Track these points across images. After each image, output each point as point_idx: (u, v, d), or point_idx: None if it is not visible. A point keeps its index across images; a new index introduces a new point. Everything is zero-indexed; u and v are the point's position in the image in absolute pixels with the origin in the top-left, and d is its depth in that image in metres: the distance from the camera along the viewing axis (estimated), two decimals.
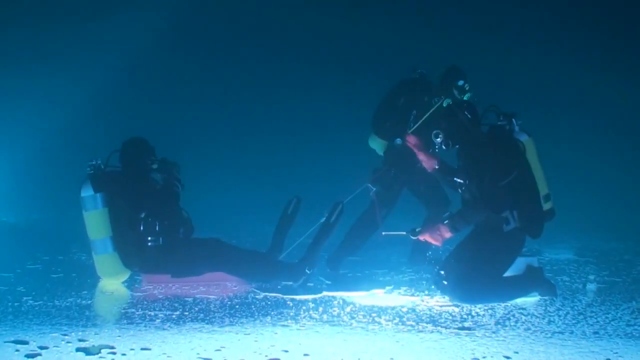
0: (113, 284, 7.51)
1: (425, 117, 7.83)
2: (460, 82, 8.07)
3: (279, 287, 7.34)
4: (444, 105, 7.90)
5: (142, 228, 7.40)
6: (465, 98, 7.99)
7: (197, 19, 17.82)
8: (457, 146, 6.64)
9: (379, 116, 8.23)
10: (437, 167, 6.73)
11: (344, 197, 7.82)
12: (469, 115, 6.55)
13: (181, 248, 7.47)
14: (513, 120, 6.68)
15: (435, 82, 8.25)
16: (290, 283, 7.42)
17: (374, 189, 8.02)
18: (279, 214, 8.07)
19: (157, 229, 7.41)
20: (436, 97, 8.05)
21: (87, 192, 7.36)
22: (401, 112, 8.02)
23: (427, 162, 6.80)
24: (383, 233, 7.68)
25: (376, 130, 8.27)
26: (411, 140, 7.00)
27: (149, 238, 7.39)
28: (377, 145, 8.42)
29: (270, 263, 7.64)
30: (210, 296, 6.89)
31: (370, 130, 8.43)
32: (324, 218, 7.63)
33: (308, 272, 7.42)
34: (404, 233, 6.80)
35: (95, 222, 7.41)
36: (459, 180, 6.64)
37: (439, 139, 6.58)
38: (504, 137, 6.59)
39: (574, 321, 5.84)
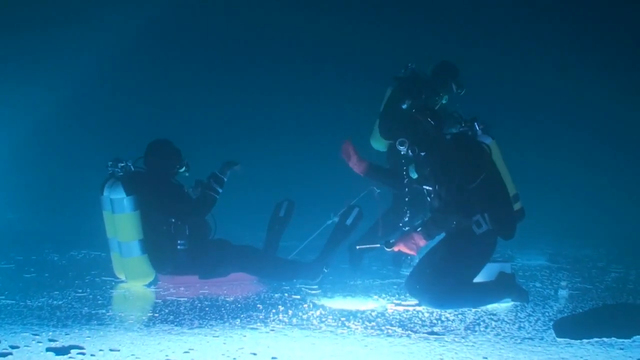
0: (127, 287, 7.51)
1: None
2: (459, 77, 8.16)
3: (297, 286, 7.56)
4: (444, 102, 8.01)
5: (172, 232, 7.47)
6: (462, 93, 8.08)
7: (174, 20, 17.77)
8: (423, 153, 6.63)
9: (384, 121, 8.28)
10: (366, 170, 6.96)
11: (348, 199, 7.89)
12: (432, 122, 6.57)
13: (209, 250, 7.59)
14: (475, 124, 6.70)
15: (429, 78, 8.31)
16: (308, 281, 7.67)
17: (378, 190, 8.05)
18: (269, 217, 8.22)
19: (186, 232, 7.50)
20: (436, 96, 8.12)
21: (118, 194, 7.23)
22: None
23: (357, 167, 6.97)
24: (357, 247, 7.74)
25: (384, 135, 8.31)
26: (345, 147, 7.05)
27: (179, 241, 7.46)
28: (380, 145, 8.48)
29: (289, 263, 7.83)
30: (180, 298, 6.90)
31: (374, 131, 8.49)
32: (335, 219, 7.80)
33: (325, 271, 7.68)
34: (379, 245, 6.80)
35: (126, 225, 7.31)
36: (427, 187, 6.65)
37: (404, 147, 6.59)
38: (468, 141, 6.61)
39: (544, 327, 5.84)
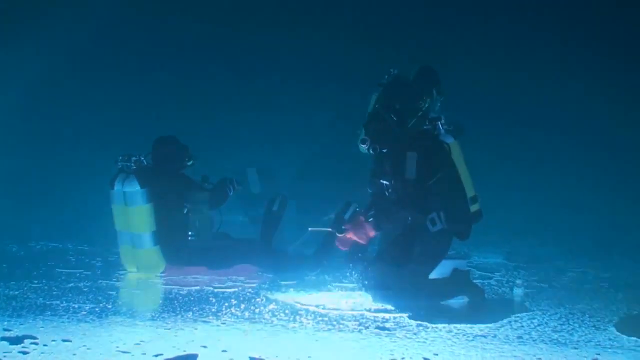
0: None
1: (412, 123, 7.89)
2: (440, 83, 8.22)
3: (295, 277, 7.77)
4: (426, 106, 8.04)
5: (184, 224, 7.80)
6: (442, 99, 8.13)
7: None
8: (385, 150, 6.66)
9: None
10: (376, 227, 6.77)
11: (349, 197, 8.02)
12: (394, 118, 6.60)
13: (216, 242, 7.93)
14: (438, 123, 6.74)
15: (411, 82, 8.35)
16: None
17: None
18: (263, 211, 8.41)
19: (196, 224, 7.80)
20: (420, 100, 8.16)
21: (132, 187, 7.53)
22: None
23: (370, 233, 6.79)
24: (310, 229, 7.80)
25: None
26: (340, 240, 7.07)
27: (189, 233, 7.80)
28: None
29: (291, 255, 8.12)
30: (134, 290, 6.96)
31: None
32: (331, 217, 7.87)
33: (324, 263, 7.96)
34: (330, 229, 6.84)
35: (140, 217, 7.60)
36: (385, 182, 6.68)
37: (365, 145, 6.64)
38: (428, 138, 6.65)
39: (497, 325, 5.86)
